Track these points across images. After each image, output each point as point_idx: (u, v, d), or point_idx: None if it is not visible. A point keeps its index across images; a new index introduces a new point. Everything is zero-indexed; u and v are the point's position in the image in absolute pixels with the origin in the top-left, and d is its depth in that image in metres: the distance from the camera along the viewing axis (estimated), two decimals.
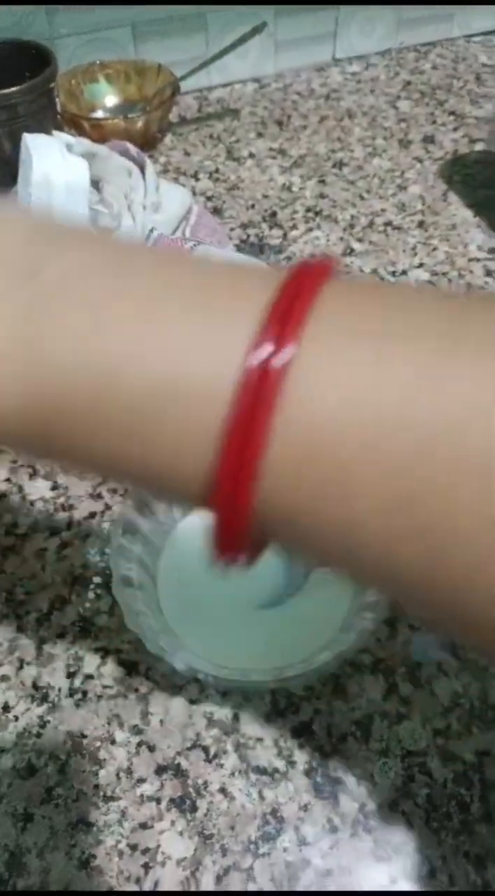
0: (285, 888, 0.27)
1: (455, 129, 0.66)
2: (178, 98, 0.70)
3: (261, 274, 0.14)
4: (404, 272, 0.53)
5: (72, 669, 0.33)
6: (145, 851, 0.28)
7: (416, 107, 0.69)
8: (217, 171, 0.63)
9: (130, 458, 0.14)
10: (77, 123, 0.62)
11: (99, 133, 0.61)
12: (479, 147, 0.64)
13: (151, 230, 0.48)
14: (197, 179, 0.62)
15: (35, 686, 0.33)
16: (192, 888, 0.27)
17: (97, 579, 0.36)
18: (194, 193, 0.60)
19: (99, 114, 0.67)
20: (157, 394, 0.13)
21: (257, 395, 0.12)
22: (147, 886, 0.27)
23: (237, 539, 0.14)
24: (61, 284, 0.14)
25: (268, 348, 0.12)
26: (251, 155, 0.65)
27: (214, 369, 0.13)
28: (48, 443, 0.15)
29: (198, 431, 0.13)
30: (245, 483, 0.13)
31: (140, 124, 0.62)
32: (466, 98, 0.70)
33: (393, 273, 0.53)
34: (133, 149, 0.55)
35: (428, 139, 0.65)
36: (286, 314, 0.13)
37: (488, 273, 0.53)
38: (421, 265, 0.53)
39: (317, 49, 0.74)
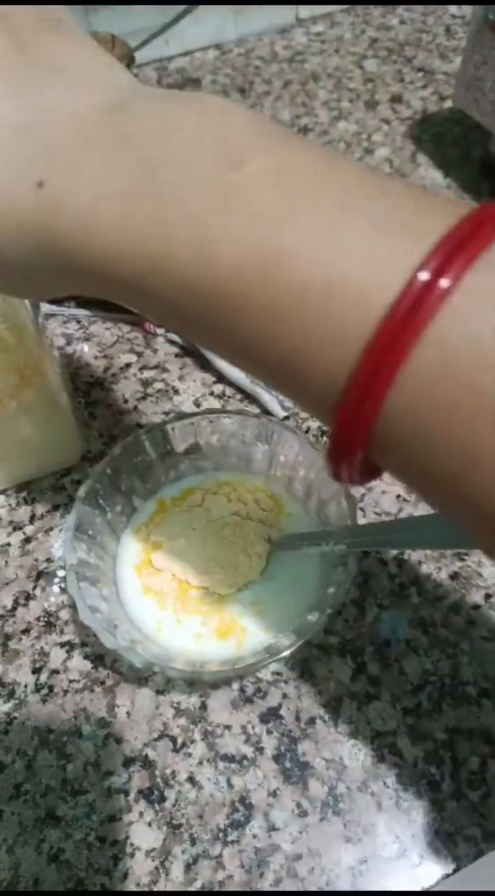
0: (254, 874, 0.27)
1: (423, 87, 0.64)
2: (136, 70, 0.67)
3: (445, 203, 0.15)
4: None
5: (37, 665, 0.33)
6: (114, 844, 0.28)
7: (383, 65, 0.67)
8: None
9: (276, 345, 0.15)
10: None
11: None
12: (449, 104, 0.61)
13: None
14: None
15: (1, 683, 0.32)
16: (162, 878, 0.27)
17: (61, 573, 0.36)
18: None
19: None
20: (322, 286, 0.14)
21: (416, 304, 0.13)
22: (117, 877, 0.27)
23: (353, 450, 0.15)
24: (260, 180, 0.15)
25: (437, 268, 0.13)
26: None
27: (384, 277, 0.14)
28: (210, 318, 0.16)
29: (351, 328, 0.14)
30: (380, 387, 0.14)
31: None
32: (435, 52, 0.68)
33: None
34: None
35: (396, 98, 0.63)
36: (464, 241, 0.13)
37: None
38: None
39: (280, 10, 0.71)
